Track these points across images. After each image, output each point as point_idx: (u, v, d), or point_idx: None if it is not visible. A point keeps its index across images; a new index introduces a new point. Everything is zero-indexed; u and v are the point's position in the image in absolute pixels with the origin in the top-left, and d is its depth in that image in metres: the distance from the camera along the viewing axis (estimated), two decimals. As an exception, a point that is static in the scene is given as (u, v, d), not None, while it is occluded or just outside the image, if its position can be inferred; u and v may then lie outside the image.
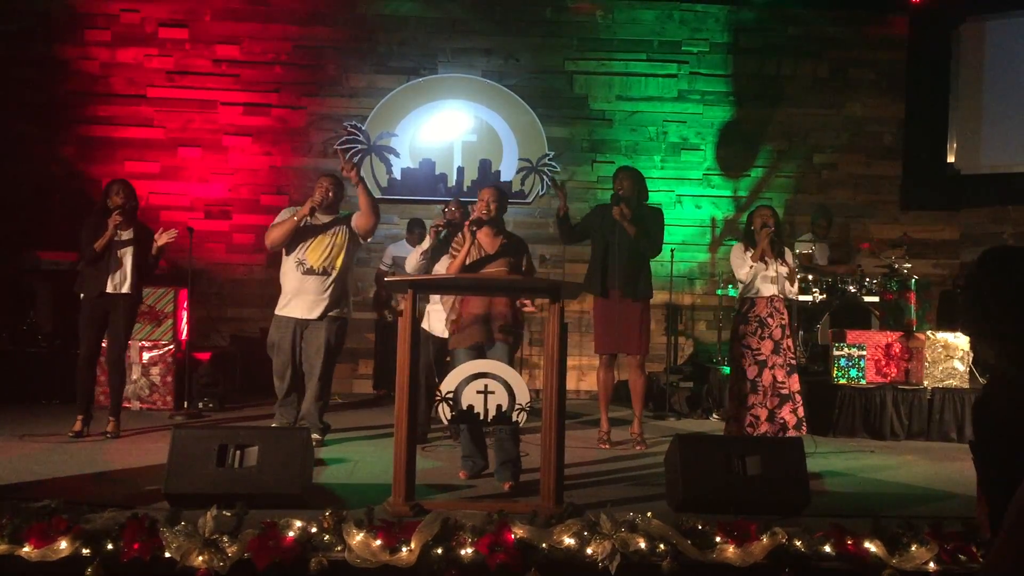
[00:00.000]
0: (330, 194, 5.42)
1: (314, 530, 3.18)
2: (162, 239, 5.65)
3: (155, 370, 6.67)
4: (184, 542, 3.07)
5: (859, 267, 7.26)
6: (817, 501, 4.10)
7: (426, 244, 5.49)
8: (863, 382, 6.48)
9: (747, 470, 3.99)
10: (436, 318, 5.45)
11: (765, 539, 3.26)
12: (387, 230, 7.82)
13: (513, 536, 3.16)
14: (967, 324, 2.51)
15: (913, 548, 3.28)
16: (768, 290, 5.49)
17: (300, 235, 5.38)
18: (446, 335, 4.96)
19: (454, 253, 4.72)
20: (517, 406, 3.97)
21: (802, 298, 6.70)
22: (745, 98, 8.54)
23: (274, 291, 5.61)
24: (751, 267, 5.46)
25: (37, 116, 8.04)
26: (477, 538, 3.16)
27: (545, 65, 8.43)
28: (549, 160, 8.31)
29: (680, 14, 8.50)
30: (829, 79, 8.60)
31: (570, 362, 4.90)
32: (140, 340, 6.57)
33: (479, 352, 4.50)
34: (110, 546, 3.10)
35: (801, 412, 5.48)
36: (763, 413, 5.39)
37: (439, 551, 3.13)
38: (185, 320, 6.94)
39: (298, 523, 3.18)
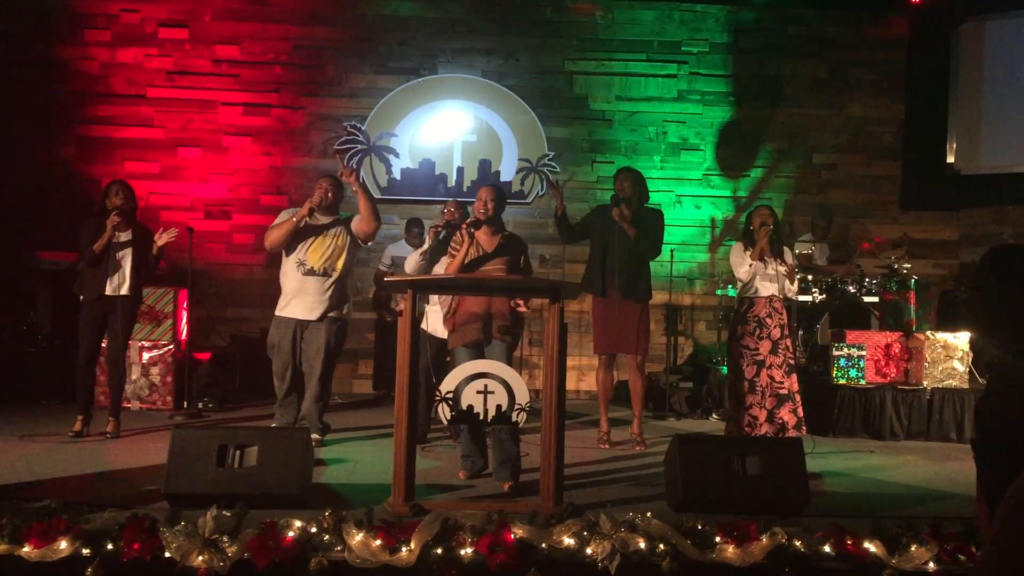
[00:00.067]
0: (329, 195, 5.42)
1: (314, 530, 3.18)
2: (162, 239, 5.65)
3: (155, 370, 6.67)
4: (184, 542, 3.07)
5: (859, 267, 7.26)
6: (817, 501, 4.10)
7: (425, 245, 5.49)
8: (863, 382, 6.48)
9: (747, 470, 3.99)
10: (435, 319, 5.45)
11: (765, 539, 3.26)
12: (387, 230, 7.81)
13: (513, 536, 3.16)
14: (971, 322, 2.51)
15: (913, 548, 3.28)
16: (767, 290, 5.50)
17: (300, 236, 5.38)
18: (446, 336, 4.97)
19: (453, 253, 4.72)
20: (517, 406, 3.97)
21: (802, 298, 6.70)
22: (745, 98, 8.55)
23: (274, 291, 5.61)
24: (750, 265, 5.46)
25: (37, 116, 8.05)
26: (477, 538, 3.16)
27: (545, 65, 8.43)
28: (549, 160, 8.31)
29: (680, 14, 8.51)
30: (829, 79, 8.61)
31: (570, 362, 4.91)
32: (140, 340, 6.57)
33: (478, 350, 4.51)
34: (110, 546, 3.10)
35: (801, 412, 5.49)
36: (762, 414, 5.39)
37: (439, 551, 3.13)
38: (185, 320, 6.94)
39: (298, 523, 3.18)
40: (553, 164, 8.30)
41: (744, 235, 5.71)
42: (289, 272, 5.41)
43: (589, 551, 3.18)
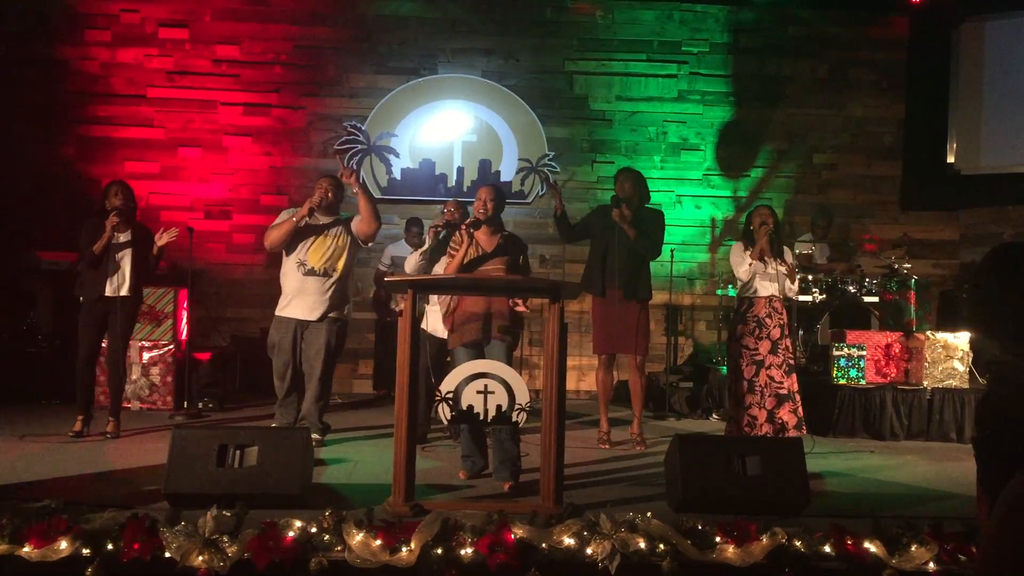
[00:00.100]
0: (330, 195, 5.42)
1: (314, 530, 3.18)
2: (162, 239, 5.65)
3: (155, 370, 6.67)
4: (184, 542, 3.07)
5: (859, 267, 7.26)
6: (817, 501, 4.10)
7: (426, 245, 5.49)
8: (863, 382, 6.48)
9: (747, 470, 3.99)
10: (435, 318, 5.45)
11: (765, 539, 3.26)
12: (387, 230, 7.80)
13: (513, 536, 3.16)
14: (972, 321, 2.51)
15: (913, 548, 3.28)
16: (766, 290, 5.49)
17: (301, 236, 5.38)
18: (446, 336, 4.97)
19: (452, 253, 4.72)
20: (517, 406, 3.97)
21: (802, 298, 6.70)
22: (745, 98, 8.55)
23: (274, 291, 5.61)
24: (750, 265, 5.46)
25: (37, 116, 8.05)
26: (477, 538, 3.16)
27: (545, 65, 8.43)
28: (549, 160, 8.31)
29: (680, 14, 8.50)
30: (829, 79, 8.61)
31: (570, 362, 4.91)
32: (140, 340, 6.57)
33: (477, 350, 4.51)
34: (110, 546, 3.10)
35: (801, 412, 5.48)
36: (761, 414, 5.39)
37: (439, 551, 3.13)
38: (185, 320, 6.94)
39: (298, 523, 3.18)
40: (553, 164, 8.30)
41: (744, 235, 5.71)
42: (290, 272, 5.41)
43: (589, 551, 3.18)
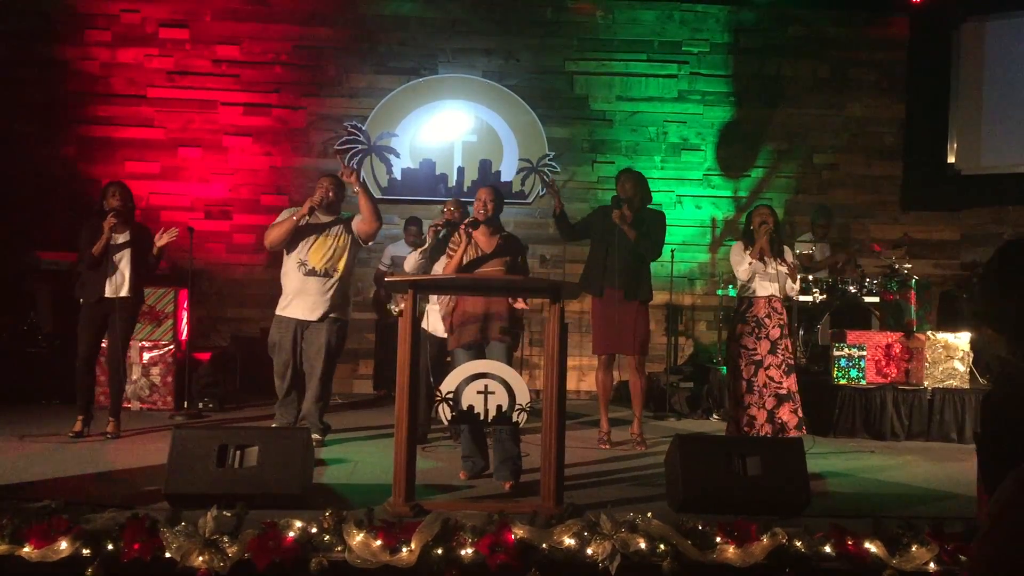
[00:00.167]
0: (330, 194, 5.41)
1: (314, 530, 3.17)
2: (162, 239, 5.64)
3: (155, 370, 6.67)
4: (184, 542, 3.07)
5: (859, 267, 7.26)
6: (817, 501, 4.09)
7: (426, 244, 5.49)
8: (863, 382, 6.48)
9: (747, 470, 3.99)
10: (436, 318, 5.45)
11: (765, 539, 3.26)
12: (387, 230, 7.80)
13: (513, 536, 3.16)
14: (979, 317, 2.50)
15: (913, 548, 3.28)
16: (766, 290, 5.48)
17: (301, 235, 5.37)
18: (446, 335, 4.96)
19: (451, 253, 4.72)
20: (517, 406, 3.97)
21: (802, 298, 6.69)
22: (745, 98, 8.55)
23: (274, 291, 5.60)
24: (749, 264, 5.45)
25: (38, 116, 8.05)
26: (477, 538, 3.15)
27: (545, 65, 8.43)
28: (549, 160, 8.31)
29: (680, 14, 8.50)
30: (829, 79, 8.60)
31: (570, 362, 4.91)
32: (140, 340, 6.57)
33: (478, 351, 4.51)
34: (110, 546, 3.09)
35: (801, 412, 5.48)
36: (761, 414, 5.38)
37: (439, 551, 3.12)
38: (185, 320, 6.94)
39: (298, 523, 3.18)
40: (554, 164, 8.29)
41: (744, 234, 5.70)
42: (291, 272, 5.41)
43: (590, 551, 3.18)
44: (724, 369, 6.61)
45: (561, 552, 3.18)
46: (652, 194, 5.95)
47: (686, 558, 3.20)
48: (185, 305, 6.94)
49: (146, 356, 6.65)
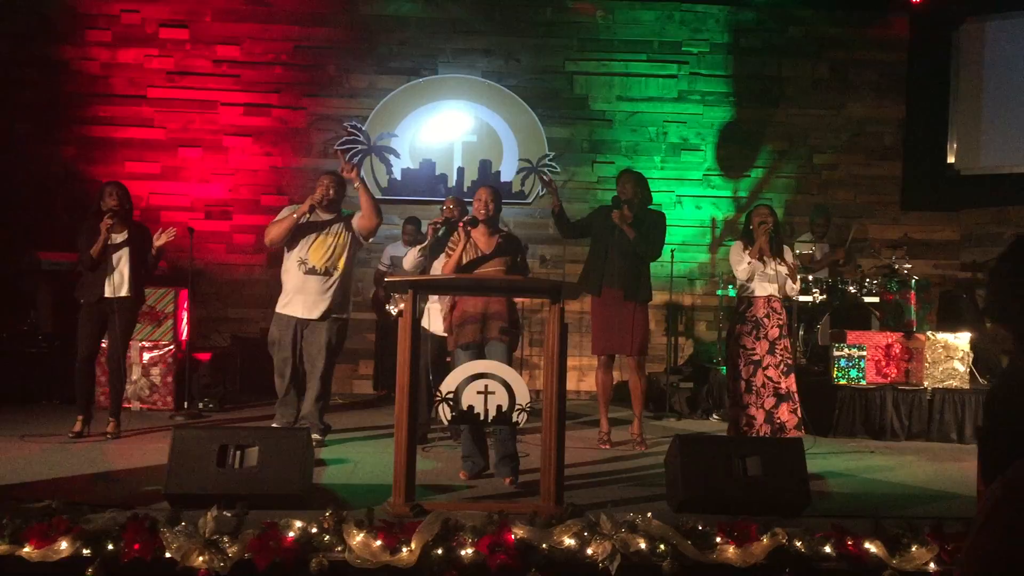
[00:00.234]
0: (331, 192, 5.41)
1: (314, 530, 3.18)
2: (160, 239, 5.64)
3: (155, 370, 6.67)
4: (185, 542, 3.07)
5: (859, 267, 7.26)
6: (817, 502, 4.10)
7: (425, 242, 5.49)
8: (863, 382, 6.48)
9: (747, 470, 3.99)
10: (436, 317, 5.45)
11: (765, 539, 3.26)
12: (388, 230, 7.81)
13: (513, 536, 3.16)
14: (988, 310, 2.50)
15: (913, 549, 3.28)
16: (765, 290, 5.47)
17: (302, 233, 5.38)
18: (446, 334, 4.97)
19: (450, 252, 4.72)
20: (517, 406, 3.97)
21: (802, 298, 6.69)
22: (745, 98, 8.55)
23: (274, 291, 5.61)
24: (749, 263, 5.44)
25: (38, 116, 8.05)
26: (477, 538, 3.16)
27: (545, 66, 8.43)
28: (549, 161, 8.31)
29: (680, 15, 8.50)
30: (829, 80, 8.60)
31: (570, 363, 4.91)
32: (140, 340, 6.57)
33: (478, 350, 4.51)
34: (110, 546, 3.09)
35: (800, 412, 5.47)
36: (759, 414, 5.38)
37: (439, 551, 3.13)
38: (185, 320, 6.94)
39: (298, 523, 3.18)
40: (553, 164, 8.29)
41: (743, 234, 5.70)
42: (291, 270, 5.41)
43: (590, 551, 3.18)
44: (724, 369, 6.61)
45: (561, 552, 3.18)
46: (652, 194, 5.96)
47: (686, 558, 3.20)
48: (185, 305, 6.94)
49: (146, 356, 6.66)
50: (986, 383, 6.68)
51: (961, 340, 6.47)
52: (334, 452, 5.25)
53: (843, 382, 6.46)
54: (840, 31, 8.59)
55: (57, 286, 6.99)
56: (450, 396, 3.96)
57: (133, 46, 8.17)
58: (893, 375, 6.55)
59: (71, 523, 3.14)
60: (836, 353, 6.50)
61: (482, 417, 3.97)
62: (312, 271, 5.36)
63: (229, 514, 3.20)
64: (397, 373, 3.89)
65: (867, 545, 3.29)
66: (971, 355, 6.51)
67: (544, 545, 3.18)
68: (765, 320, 5.45)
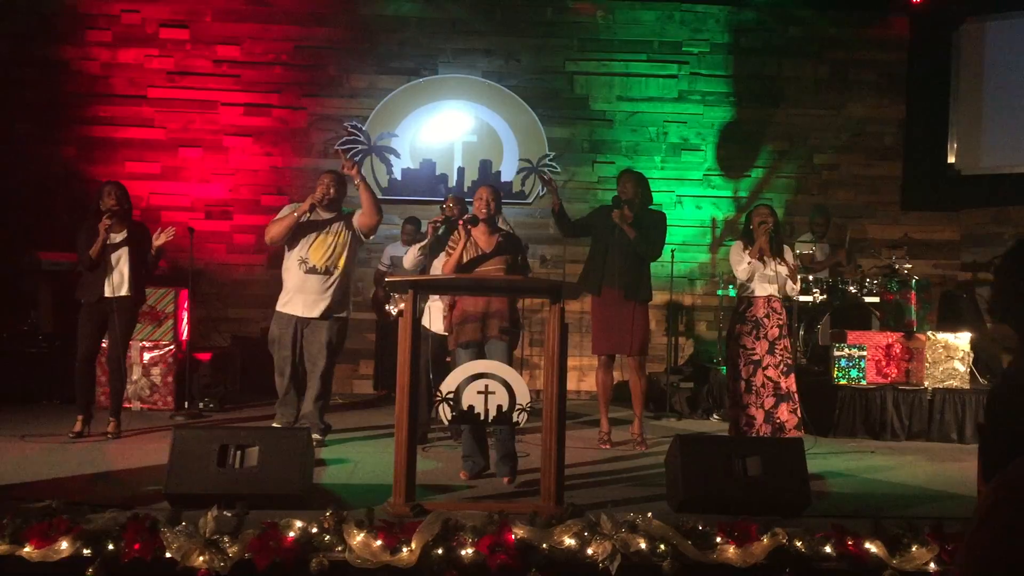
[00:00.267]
0: (331, 191, 5.41)
1: (315, 530, 3.18)
2: (159, 239, 5.64)
3: (156, 370, 6.67)
4: (185, 542, 3.07)
5: (859, 267, 7.26)
6: (818, 502, 4.10)
7: (425, 240, 5.49)
8: (863, 382, 6.48)
9: (747, 470, 3.99)
10: (436, 316, 5.45)
11: (766, 539, 3.26)
12: (387, 230, 7.82)
13: (514, 536, 3.16)
14: (995, 312, 2.50)
15: (914, 549, 3.28)
16: (765, 290, 5.46)
17: (302, 232, 5.38)
18: (447, 333, 4.97)
19: (450, 251, 4.72)
20: (518, 406, 3.97)
21: (803, 298, 6.69)
22: (745, 99, 8.55)
23: (275, 291, 5.61)
24: (749, 263, 5.44)
25: (38, 116, 8.05)
26: (478, 538, 3.15)
27: (546, 66, 8.43)
28: (549, 161, 8.31)
29: (680, 15, 8.50)
30: (829, 80, 8.60)
31: (570, 363, 4.91)
32: (141, 340, 6.57)
33: (478, 349, 4.51)
34: (111, 546, 3.09)
35: (800, 412, 5.47)
36: (759, 414, 5.37)
37: (440, 551, 3.13)
38: (186, 320, 6.95)
39: (299, 523, 3.18)
40: (554, 164, 8.29)
41: (743, 234, 5.69)
42: (292, 268, 5.42)
43: (590, 551, 3.18)
44: (724, 369, 6.61)
45: (561, 552, 3.18)
46: (653, 194, 5.95)
47: (686, 558, 3.20)
48: (185, 305, 6.95)
49: (147, 356, 6.66)
50: (986, 383, 6.68)
51: (961, 340, 6.47)
52: (334, 452, 5.25)
53: (843, 382, 6.46)
54: (840, 31, 8.59)
55: (57, 286, 6.99)
56: (450, 396, 3.96)
57: (133, 46, 8.17)
58: (893, 375, 6.55)
59: (71, 523, 3.14)
60: (836, 353, 6.50)
61: (482, 417, 3.97)
62: (312, 270, 5.36)
63: (229, 514, 3.20)
64: (397, 373, 3.89)
65: (867, 545, 3.29)
66: (971, 355, 6.50)
67: (544, 545, 3.18)
68: (765, 320, 5.45)
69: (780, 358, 5.41)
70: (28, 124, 8.04)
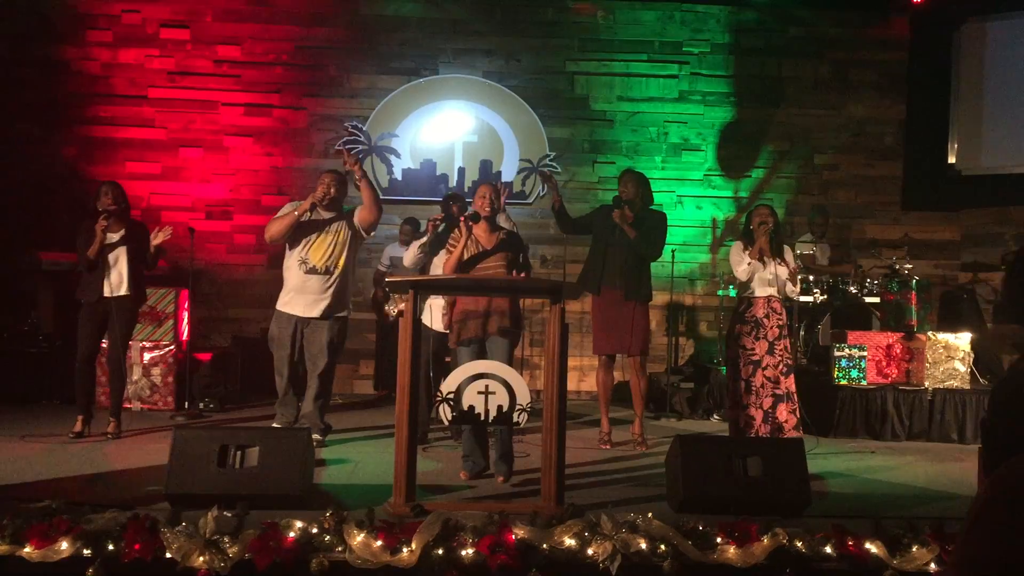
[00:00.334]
0: (332, 190, 5.41)
1: (315, 531, 3.17)
2: (157, 238, 5.63)
3: (156, 371, 6.67)
4: (185, 543, 3.07)
5: (859, 267, 7.26)
6: (818, 502, 4.09)
7: (425, 238, 5.48)
8: (864, 383, 6.47)
9: (748, 471, 3.99)
10: (437, 314, 5.44)
11: (766, 540, 3.26)
12: (387, 230, 7.83)
13: (514, 537, 3.16)
14: (1003, 311, 2.51)
15: (914, 549, 3.28)
16: (765, 291, 5.45)
17: (303, 232, 5.38)
18: (447, 331, 4.96)
19: (451, 248, 4.72)
20: (518, 406, 3.97)
21: (803, 298, 6.69)
22: (746, 99, 8.55)
23: (274, 291, 5.61)
24: (748, 264, 5.43)
25: (38, 116, 8.05)
26: (478, 539, 3.15)
27: (546, 66, 8.43)
28: (550, 161, 8.31)
29: (681, 15, 8.50)
30: (830, 80, 8.60)
31: (571, 363, 4.91)
32: (141, 340, 6.57)
33: (479, 347, 4.51)
34: (111, 547, 3.09)
35: (800, 412, 5.47)
36: (759, 414, 5.36)
37: (440, 552, 3.12)
38: (186, 321, 6.95)
39: (299, 524, 3.18)
40: (554, 164, 8.29)
41: (744, 234, 5.69)
42: (292, 267, 5.42)
43: (590, 552, 3.18)
44: (725, 369, 6.61)
45: (562, 552, 3.18)
46: (654, 195, 5.95)
47: (687, 558, 3.20)
48: (186, 305, 6.95)
49: (147, 356, 6.66)
50: (987, 383, 6.68)
51: (962, 340, 6.47)
52: (334, 452, 5.25)
53: (844, 382, 6.46)
54: (840, 31, 8.59)
55: (57, 286, 6.99)
56: (451, 396, 3.96)
57: (134, 46, 8.17)
58: (894, 375, 6.54)
59: (71, 523, 3.14)
60: (837, 353, 6.50)
61: (483, 417, 3.97)
62: (313, 270, 5.36)
63: (229, 514, 3.20)
64: (398, 373, 3.89)
65: (868, 545, 3.29)
66: (972, 355, 6.50)
67: (545, 545, 3.18)
68: (765, 320, 5.44)
69: (780, 358, 5.41)
70: (28, 124, 8.04)
